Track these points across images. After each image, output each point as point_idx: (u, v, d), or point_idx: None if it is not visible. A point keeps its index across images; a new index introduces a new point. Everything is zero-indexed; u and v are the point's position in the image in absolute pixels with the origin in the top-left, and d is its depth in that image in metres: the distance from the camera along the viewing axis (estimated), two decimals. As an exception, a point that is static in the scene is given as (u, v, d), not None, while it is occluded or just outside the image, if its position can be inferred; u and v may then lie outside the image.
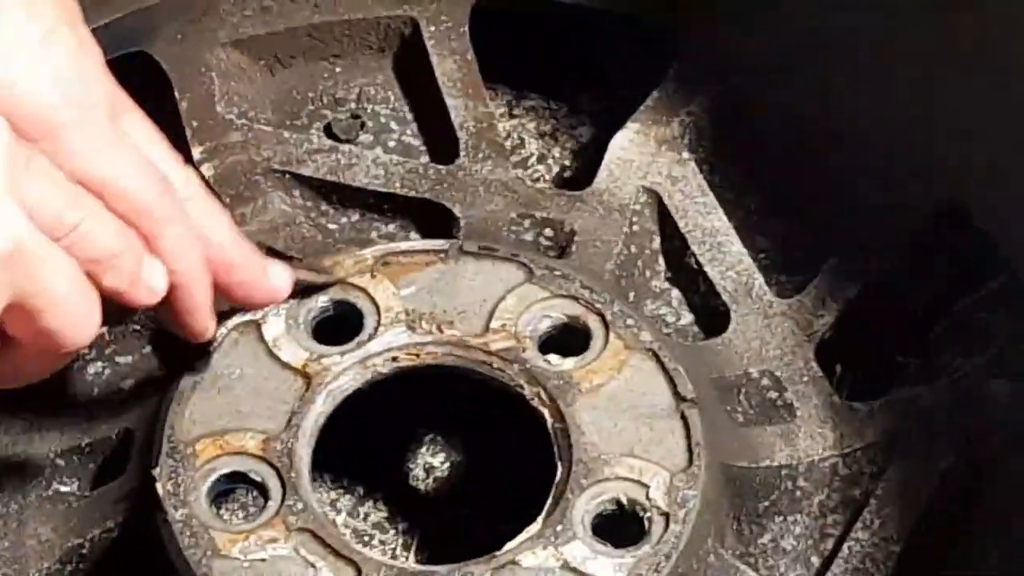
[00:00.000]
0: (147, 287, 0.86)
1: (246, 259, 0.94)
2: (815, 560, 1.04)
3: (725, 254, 1.15)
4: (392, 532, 1.13)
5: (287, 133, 1.24)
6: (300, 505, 0.95)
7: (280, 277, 0.97)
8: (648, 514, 0.93)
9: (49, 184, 0.80)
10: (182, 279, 0.88)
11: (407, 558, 1.09)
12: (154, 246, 0.85)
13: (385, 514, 1.12)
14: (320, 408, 0.99)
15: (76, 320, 0.83)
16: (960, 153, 1.15)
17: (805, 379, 1.09)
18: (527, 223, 1.17)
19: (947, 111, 1.14)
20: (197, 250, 0.89)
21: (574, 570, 0.90)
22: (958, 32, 1.11)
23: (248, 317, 1.04)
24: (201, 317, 0.93)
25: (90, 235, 0.82)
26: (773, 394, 1.06)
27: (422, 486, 1.13)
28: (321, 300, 1.05)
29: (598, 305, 1.02)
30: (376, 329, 1.02)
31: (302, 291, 1.03)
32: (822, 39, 1.17)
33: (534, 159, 1.30)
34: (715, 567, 0.97)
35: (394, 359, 1.01)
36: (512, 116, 1.33)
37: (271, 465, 0.96)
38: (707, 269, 1.14)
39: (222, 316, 1.03)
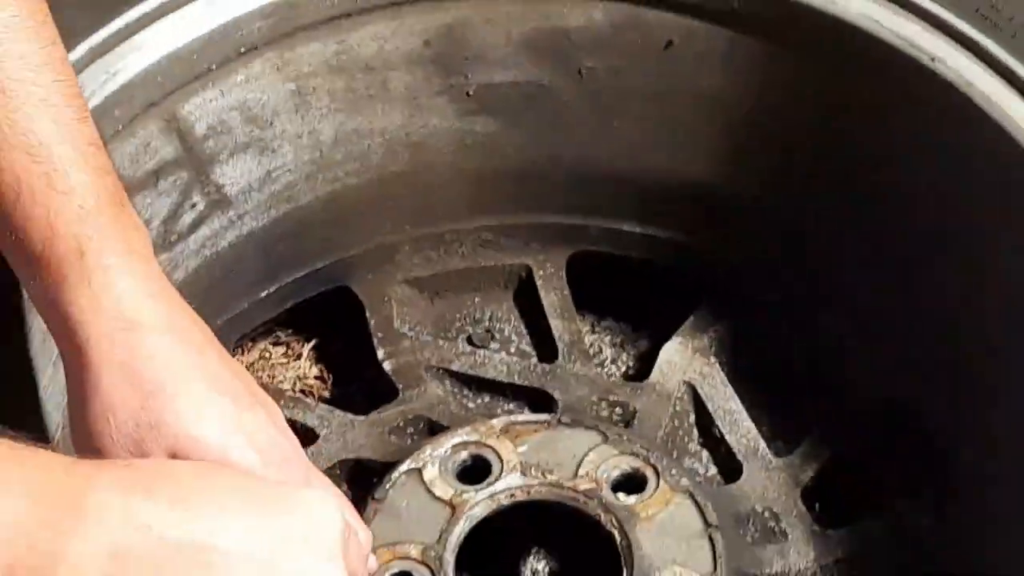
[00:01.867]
0: None
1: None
2: None
3: (739, 426, 1.34)
4: None
5: (441, 342, 1.40)
6: None
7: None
8: None
9: (356, 558, 0.97)
10: None
11: None
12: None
13: None
14: (461, 528, 1.18)
15: None
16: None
17: (794, 513, 1.27)
18: (604, 404, 1.33)
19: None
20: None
21: None
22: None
23: (412, 465, 1.23)
24: None
25: None
26: (772, 524, 1.26)
27: (533, 573, 1.27)
28: (463, 454, 1.24)
29: (652, 460, 1.22)
30: (500, 474, 1.22)
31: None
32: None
33: (608, 361, 1.46)
34: None
35: (512, 495, 1.21)
36: (594, 332, 1.47)
37: (427, 566, 1.16)
38: (727, 437, 1.32)
39: (392, 466, 1.25)
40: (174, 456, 0.97)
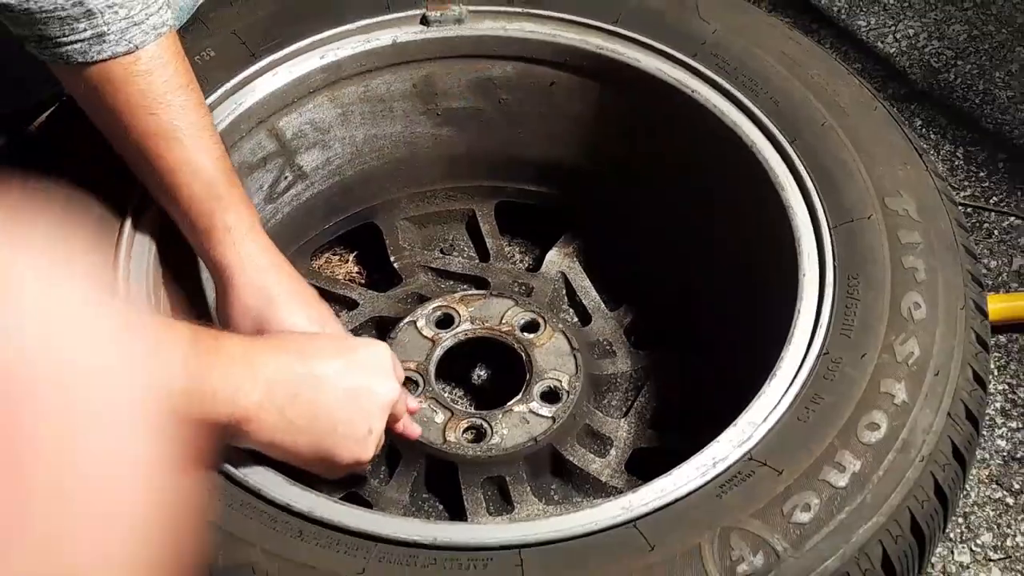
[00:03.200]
0: (406, 430, 1.07)
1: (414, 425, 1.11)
2: (622, 410, 1.25)
3: (589, 296, 1.36)
4: (464, 398, 1.32)
5: (425, 252, 1.42)
6: (430, 389, 1.20)
7: (416, 431, 1.11)
8: (560, 390, 1.20)
9: (399, 375, 1.01)
10: (405, 429, 1.07)
11: (470, 407, 1.28)
12: (404, 419, 1.07)
13: (461, 392, 1.32)
14: (438, 353, 1.24)
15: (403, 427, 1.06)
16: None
17: (620, 342, 1.30)
18: (515, 284, 1.35)
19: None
20: (409, 422, 1.08)
21: (533, 412, 1.17)
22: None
23: (409, 319, 1.26)
24: (411, 434, 1.09)
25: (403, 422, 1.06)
26: (607, 347, 1.29)
27: (476, 382, 1.32)
28: (438, 312, 1.28)
29: (542, 314, 1.27)
30: (459, 323, 1.26)
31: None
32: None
33: (518, 261, 1.46)
34: (586, 413, 1.20)
35: (466, 334, 1.26)
36: (510, 245, 1.46)
37: (419, 374, 1.21)
38: (583, 301, 1.36)
39: (399, 320, 1.26)
40: None
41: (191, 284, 1.15)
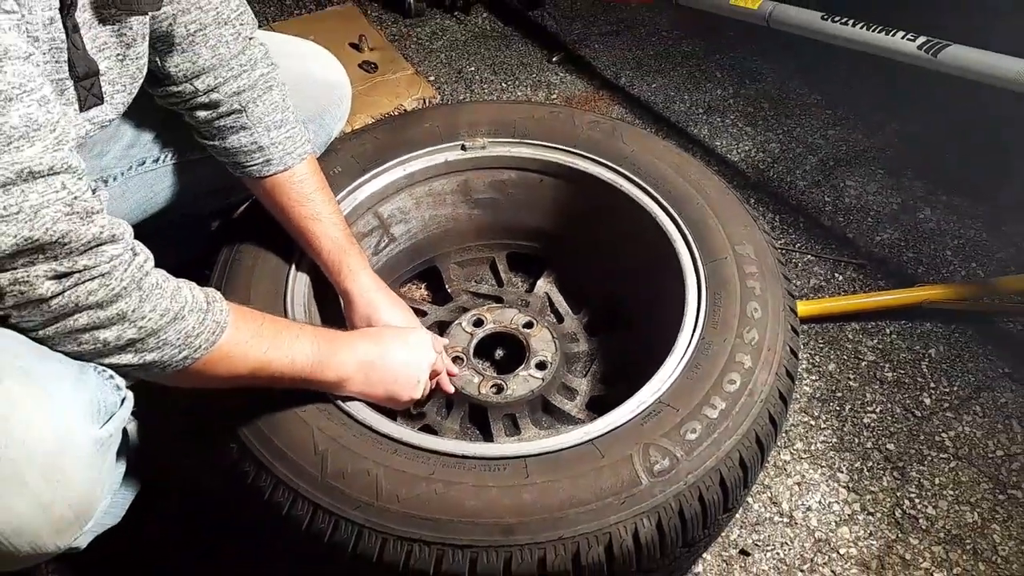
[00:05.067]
0: (443, 387, 1.01)
1: (450, 384, 1.03)
2: (583, 373, 1.18)
3: (563, 307, 1.28)
4: (490, 368, 1.22)
5: (467, 284, 1.32)
6: (469, 363, 1.15)
7: (451, 387, 1.03)
8: (547, 362, 1.15)
9: (437, 350, 0.96)
10: (442, 385, 1.01)
11: (494, 373, 1.17)
12: (442, 378, 1.01)
13: (488, 364, 1.23)
14: (474, 341, 1.18)
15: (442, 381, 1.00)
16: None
17: (581, 325, 1.24)
18: (517, 300, 1.26)
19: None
20: (445, 379, 1.01)
21: (531, 376, 1.12)
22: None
23: (456, 322, 1.19)
24: (447, 389, 1.02)
25: (440, 378, 1.00)
26: (574, 336, 1.23)
27: (497, 359, 1.23)
28: (475, 318, 1.20)
29: (535, 318, 1.20)
30: (486, 324, 1.20)
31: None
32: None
33: (519, 286, 1.35)
34: (562, 376, 1.15)
35: (492, 330, 1.20)
36: (514, 277, 1.36)
37: (464, 355, 1.16)
38: (559, 310, 1.26)
39: (451, 323, 1.19)
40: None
41: (330, 305, 1.10)
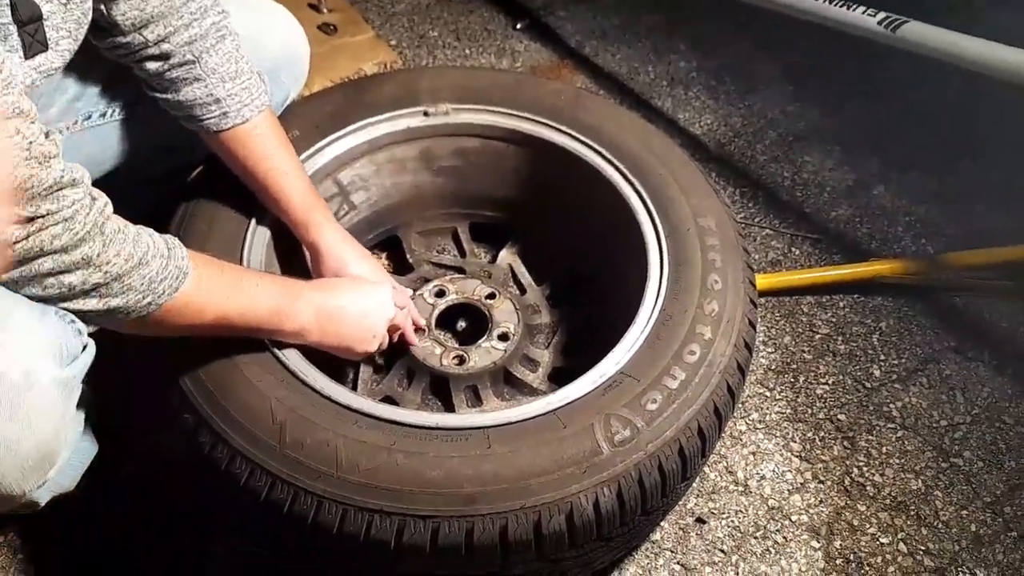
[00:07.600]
0: (407, 338, 1.03)
1: (414, 336, 1.05)
2: (545, 345, 1.17)
3: (526, 278, 1.26)
4: (452, 339, 1.20)
5: (426, 252, 1.30)
6: (432, 334, 1.13)
7: (416, 339, 1.04)
8: (509, 334, 1.13)
9: (399, 303, 0.97)
10: (407, 337, 1.03)
11: (456, 344, 1.15)
12: (406, 331, 1.02)
13: (450, 336, 1.20)
14: (436, 311, 1.17)
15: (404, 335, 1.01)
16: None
17: (544, 306, 1.22)
18: (480, 271, 1.25)
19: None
20: (410, 330, 1.03)
21: (493, 347, 1.10)
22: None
23: (418, 292, 1.17)
24: (411, 341, 1.04)
25: (404, 331, 1.01)
26: (535, 308, 1.20)
27: (459, 330, 1.21)
28: (437, 288, 1.18)
29: (497, 289, 1.19)
30: (448, 295, 1.19)
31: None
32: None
33: (481, 257, 1.33)
34: (524, 347, 1.13)
35: (454, 300, 1.19)
36: (477, 247, 1.34)
37: (428, 323, 1.14)
38: (521, 281, 1.25)
39: (415, 292, 1.17)
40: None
41: (292, 261, 1.10)
